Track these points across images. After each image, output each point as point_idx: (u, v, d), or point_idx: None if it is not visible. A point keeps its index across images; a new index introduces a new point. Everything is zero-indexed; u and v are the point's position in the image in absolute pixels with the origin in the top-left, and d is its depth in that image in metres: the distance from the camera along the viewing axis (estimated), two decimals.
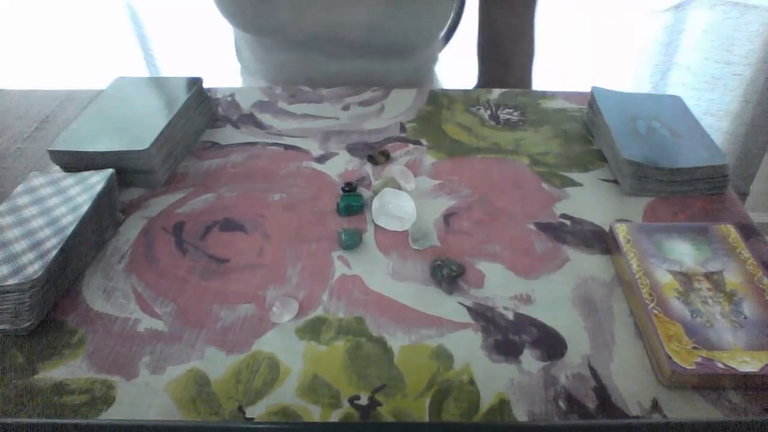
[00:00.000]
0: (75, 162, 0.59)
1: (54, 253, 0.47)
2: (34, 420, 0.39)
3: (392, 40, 0.80)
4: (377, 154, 0.63)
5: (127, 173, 0.59)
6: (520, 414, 0.40)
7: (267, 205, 0.58)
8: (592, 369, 0.42)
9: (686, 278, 0.46)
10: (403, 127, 0.69)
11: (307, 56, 0.82)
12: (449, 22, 0.89)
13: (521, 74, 0.89)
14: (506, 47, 0.87)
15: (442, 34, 0.90)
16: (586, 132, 0.68)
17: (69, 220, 0.50)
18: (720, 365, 0.40)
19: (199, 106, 0.68)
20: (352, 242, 0.52)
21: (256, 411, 0.40)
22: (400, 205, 0.55)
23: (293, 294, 0.49)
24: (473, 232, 0.54)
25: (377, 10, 0.76)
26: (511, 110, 0.72)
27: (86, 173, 0.56)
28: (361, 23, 0.77)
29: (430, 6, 0.79)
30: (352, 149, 0.66)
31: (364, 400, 0.41)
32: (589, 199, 0.58)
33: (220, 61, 1.00)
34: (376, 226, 0.55)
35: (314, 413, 0.40)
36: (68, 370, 0.43)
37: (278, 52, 0.84)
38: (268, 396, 0.41)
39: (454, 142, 0.67)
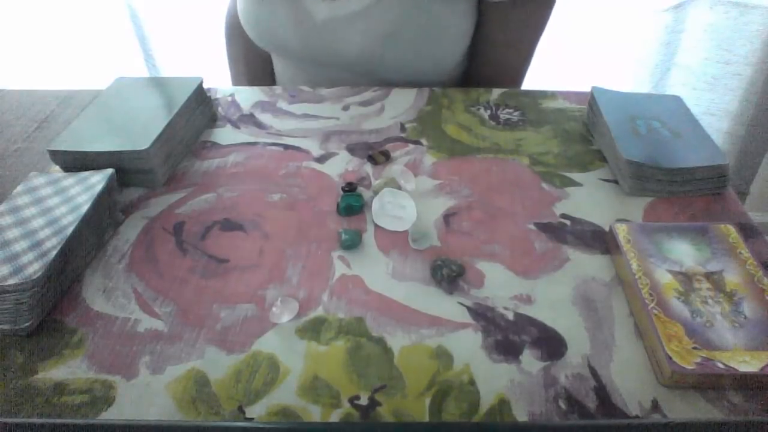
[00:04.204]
0: (75, 162, 0.59)
1: (54, 253, 0.47)
2: (34, 420, 0.39)
3: (395, 72, 0.77)
4: (377, 154, 0.63)
5: (127, 173, 0.59)
6: (520, 414, 0.40)
7: (267, 205, 0.58)
8: (592, 369, 0.42)
9: (686, 278, 0.46)
10: (403, 127, 0.69)
11: (317, 75, 0.82)
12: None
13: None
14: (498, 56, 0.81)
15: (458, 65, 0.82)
16: (586, 132, 0.68)
17: (69, 220, 0.50)
18: (720, 365, 0.40)
19: (199, 106, 0.68)
20: (352, 242, 0.52)
21: (256, 411, 0.40)
22: (400, 205, 0.55)
23: (293, 294, 0.49)
24: (473, 232, 0.54)
25: (372, 40, 0.73)
26: (511, 110, 0.72)
27: (86, 173, 0.56)
28: (357, 52, 0.75)
29: (433, 44, 0.75)
30: (352, 149, 0.66)
31: (364, 400, 0.41)
32: (589, 199, 0.58)
33: (220, 61, 1.00)
34: (376, 226, 0.55)
35: (314, 413, 0.40)
36: (68, 370, 0.43)
37: (292, 66, 0.84)
38: (268, 396, 0.41)
39: (454, 142, 0.67)
